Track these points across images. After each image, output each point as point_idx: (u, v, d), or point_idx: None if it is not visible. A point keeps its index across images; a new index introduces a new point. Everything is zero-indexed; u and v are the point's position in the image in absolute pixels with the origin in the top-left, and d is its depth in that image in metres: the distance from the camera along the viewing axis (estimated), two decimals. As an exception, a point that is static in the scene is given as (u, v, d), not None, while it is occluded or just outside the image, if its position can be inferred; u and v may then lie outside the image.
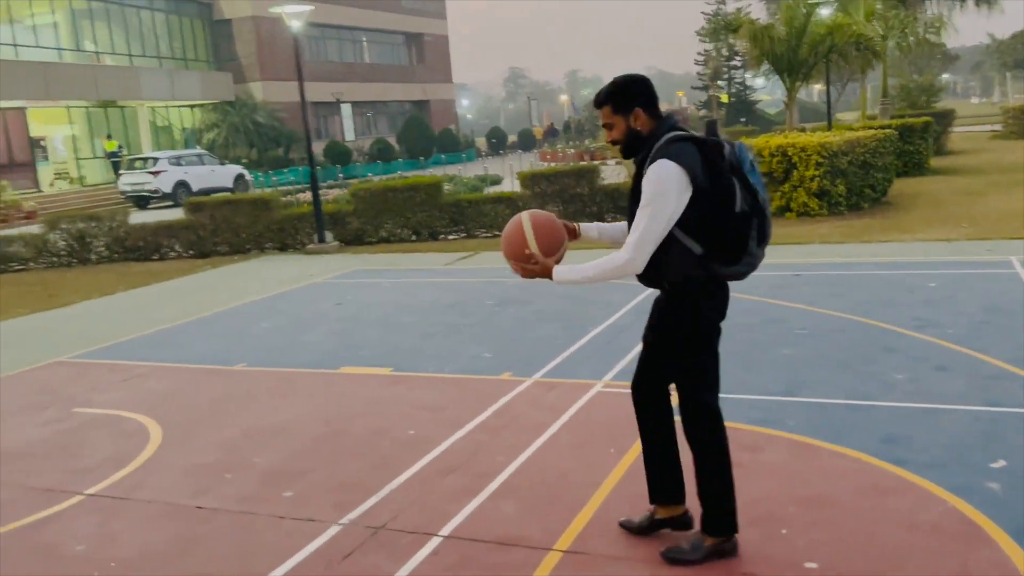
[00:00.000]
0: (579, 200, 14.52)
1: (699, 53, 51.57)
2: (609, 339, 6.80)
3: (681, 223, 2.96)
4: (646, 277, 3.14)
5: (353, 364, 6.66)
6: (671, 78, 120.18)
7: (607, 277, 3.07)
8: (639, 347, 6.49)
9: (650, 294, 8.09)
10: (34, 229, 15.25)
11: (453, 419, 5.16)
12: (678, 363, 3.28)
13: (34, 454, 5.15)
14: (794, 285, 8.44)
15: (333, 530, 3.81)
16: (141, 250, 14.51)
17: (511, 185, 14.89)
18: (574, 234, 3.37)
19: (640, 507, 3.84)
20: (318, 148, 38.54)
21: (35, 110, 29.91)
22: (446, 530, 3.73)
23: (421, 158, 39.48)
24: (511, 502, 3.98)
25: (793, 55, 19.98)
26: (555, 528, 3.67)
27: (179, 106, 36.41)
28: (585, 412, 5.16)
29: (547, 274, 3.12)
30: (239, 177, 29.48)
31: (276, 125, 36.75)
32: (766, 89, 57.87)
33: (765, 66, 21.57)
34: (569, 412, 5.16)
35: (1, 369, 7.36)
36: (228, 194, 23.47)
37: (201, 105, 36.57)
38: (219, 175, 28.72)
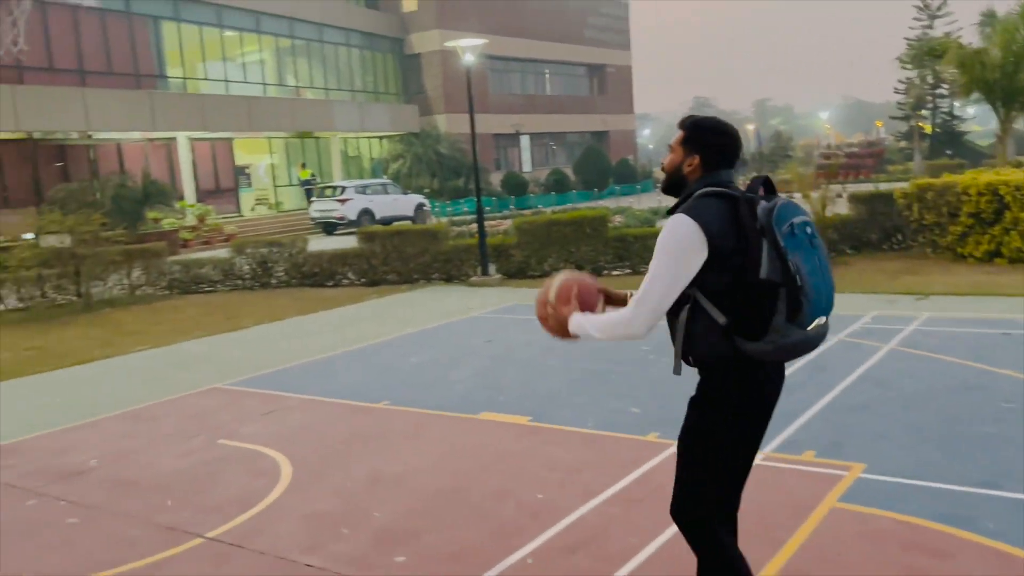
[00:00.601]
0: (755, 238, 13.65)
1: (900, 81, 48.17)
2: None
3: (704, 287, 2.55)
4: (683, 353, 2.70)
5: (492, 409, 6.35)
6: (869, 107, 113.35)
7: (612, 335, 2.66)
8: (812, 412, 5.77)
9: (828, 347, 7.20)
10: (223, 253, 16.25)
11: (587, 485, 4.70)
12: (699, 452, 2.74)
13: (170, 487, 5.18)
14: (1002, 346, 7.31)
15: (437, 609, 3.46)
16: (317, 276, 15.08)
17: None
18: (622, 301, 2.92)
19: (790, 622, 3.24)
20: (496, 179, 39.29)
21: (240, 140, 32.35)
22: (560, 624, 3.29)
23: (595, 189, 39.24)
24: (638, 596, 3.47)
25: (1009, 82, 18.02)
26: (685, 637, 3.14)
27: (368, 137, 38.26)
28: (737, 488, 4.53)
29: (563, 323, 2.82)
30: (419, 206, 30.40)
31: (457, 156, 37.75)
32: (978, 119, 53.27)
33: (975, 94, 19.61)
34: (718, 486, 4.56)
35: (166, 393, 7.66)
36: (403, 224, 24.19)
37: (389, 136, 38.26)
38: (401, 204, 29.74)
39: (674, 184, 2.77)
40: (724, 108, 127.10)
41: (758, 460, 4.92)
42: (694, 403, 2.75)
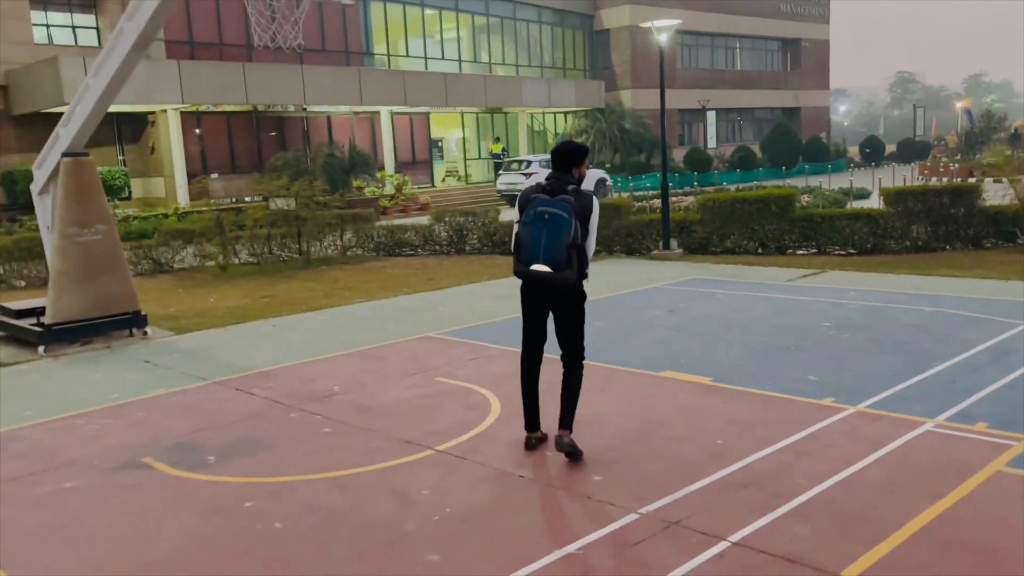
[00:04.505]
0: (952, 222, 13.29)
1: None
2: (955, 376, 6.30)
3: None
4: None
5: (674, 369, 6.96)
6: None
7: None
8: (990, 389, 6.03)
9: (1017, 332, 7.40)
10: (423, 220, 17.63)
11: (762, 437, 5.23)
12: None
13: (401, 412, 6.19)
14: None
15: (631, 517, 4.17)
16: (507, 244, 16.09)
17: (880, 200, 14.07)
18: None
19: (961, 557, 3.69)
20: (679, 155, 39.15)
21: (436, 115, 34.20)
22: (735, 537, 3.90)
23: (783, 168, 38.22)
24: (805, 524, 4.01)
25: None
26: (845, 557, 3.66)
27: (554, 112, 39.20)
28: (906, 450, 4.92)
29: None
30: (600, 181, 30.96)
31: (641, 132, 37.96)
32: None
33: None
34: (887, 448, 4.96)
35: (386, 338, 8.81)
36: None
37: (574, 111, 39.02)
38: (583, 178, 30.45)
39: None
40: (931, 83, 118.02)
41: (931, 427, 5.28)
42: None
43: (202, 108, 26.41)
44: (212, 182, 26.71)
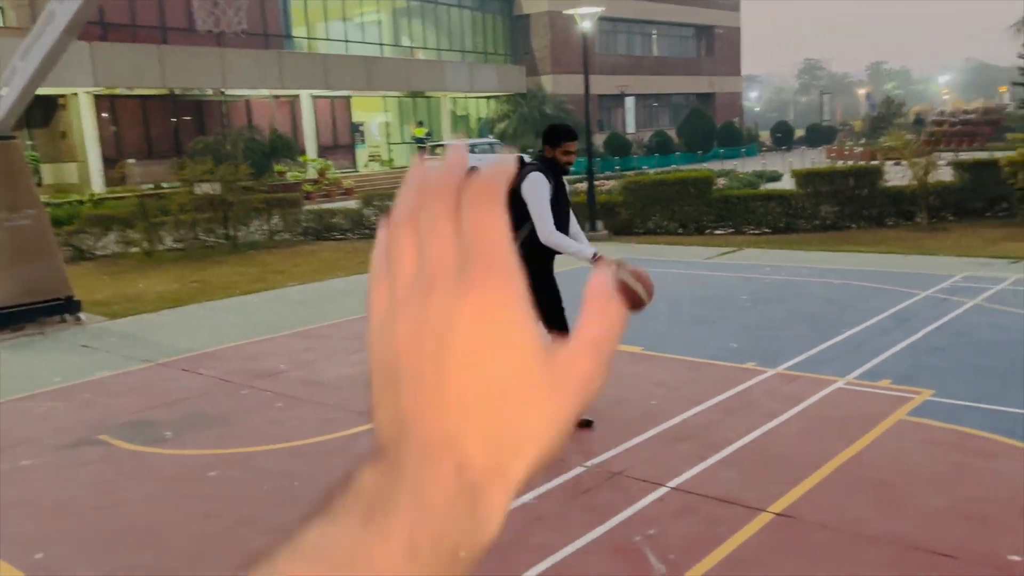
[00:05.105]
0: (857, 202, 14.13)
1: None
2: (862, 341, 6.89)
3: None
4: None
5: (609, 341, 7.37)
6: (995, 71, 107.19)
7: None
8: (893, 350, 6.61)
9: (916, 301, 8.07)
10: (352, 204, 17.69)
11: (692, 397, 5.68)
12: None
13: (351, 386, 6.41)
14: (1085, 305, 7.83)
15: (578, 470, 4.53)
16: (436, 227, 16.31)
17: (791, 183, 14.86)
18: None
19: (870, 492, 4.16)
20: (599, 140, 39.85)
21: (357, 99, 33.97)
22: (673, 483, 4.30)
23: (699, 152, 39.37)
24: (734, 470, 4.45)
25: None
26: (770, 495, 4.11)
27: (476, 97, 39.39)
28: (821, 405, 5.43)
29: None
30: (524, 165, 31.40)
31: (562, 116, 38.43)
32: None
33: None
34: (805, 403, 5.46)
35: (325, 318, 8.98)
36: (513, 180, 25.18)
37: (496, 96, 39.29)
38: (506, 162, 30.80)
39: None
40: (836, 71, 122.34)
41: (842, 384, 5.80)
42: None
43: (116, 91, 25.67)
44: (131, 168, 26.01)
